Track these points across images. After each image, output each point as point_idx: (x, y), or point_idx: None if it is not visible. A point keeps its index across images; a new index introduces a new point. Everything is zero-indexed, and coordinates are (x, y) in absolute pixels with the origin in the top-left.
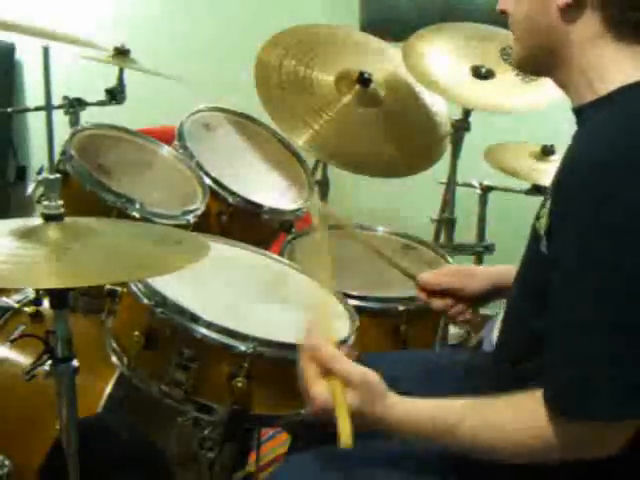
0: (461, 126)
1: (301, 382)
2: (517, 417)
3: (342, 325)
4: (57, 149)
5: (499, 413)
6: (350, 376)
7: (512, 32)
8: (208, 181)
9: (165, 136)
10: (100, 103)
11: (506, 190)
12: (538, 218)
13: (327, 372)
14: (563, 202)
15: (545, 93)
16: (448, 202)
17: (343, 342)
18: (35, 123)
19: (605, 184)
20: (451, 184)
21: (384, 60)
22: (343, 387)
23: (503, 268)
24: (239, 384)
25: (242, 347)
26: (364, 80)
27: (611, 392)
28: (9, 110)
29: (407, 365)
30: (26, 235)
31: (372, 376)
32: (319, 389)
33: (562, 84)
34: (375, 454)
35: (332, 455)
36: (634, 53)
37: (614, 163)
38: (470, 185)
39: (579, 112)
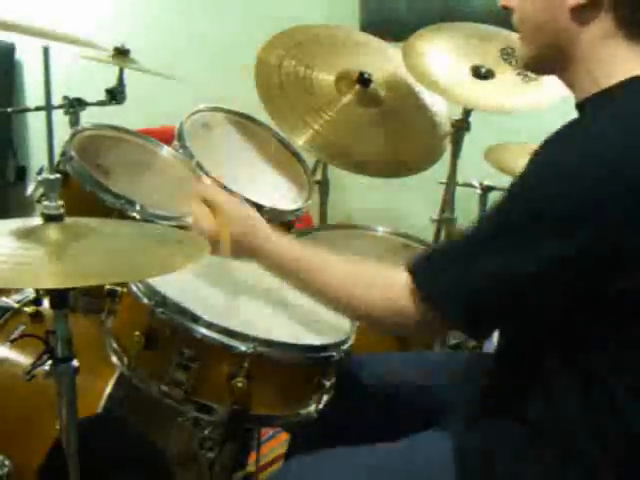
0: (461, 126)
1: (193, 219)
2: (386, 277)
3: (342, 325)
4: (57, 149)
5: (372, 270)
6: (232, 209)
7: (518, 31)
8: (208, 181)
9: (165, 136)
10: (100, 103)
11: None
12: None
13: (214, 209)
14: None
15: (545, 93)
16: (448, 202)
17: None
18: (35, 123)
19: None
20: (451, 184)
21: (384, 60)
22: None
23: None
24: (239, 384)
25: (242, 347)
26: (364, 80)
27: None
28: (9, 110)
29: (406, 366)
30: (26, 235)
31: (253, 212)
32: (202, 211)
33: (569, 82)
34: (373, 458)
35: (329, 459)
36: None
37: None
38: (470, 185)
39: (581, 107)
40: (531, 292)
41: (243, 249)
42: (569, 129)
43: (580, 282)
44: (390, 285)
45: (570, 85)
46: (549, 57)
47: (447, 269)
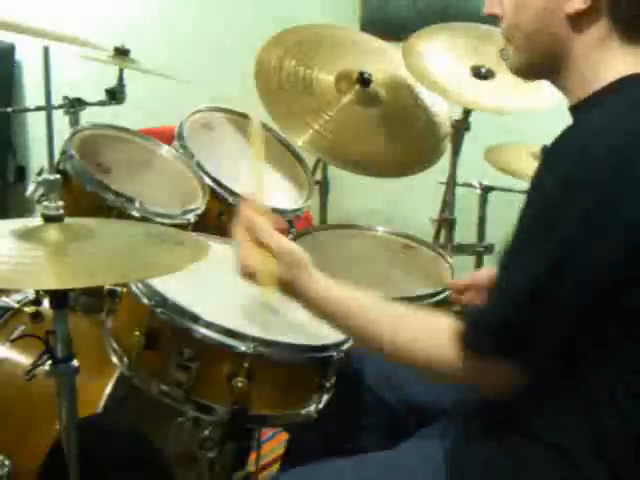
0: (461, 126)
1: (235, 250)
2: (431, 331)
3: None
4: (57, 149)
5: (416, 325)
6: (279, 249)
7: (507, 38)
8: (208, 181)
9: (165, 136)
10: (100, 103)
11: (506, 190)
12: None
13: (259, 243)
14: (540, 165)
15: (545, 93)
16: (448, 202)
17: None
18: (35, 123)
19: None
20: (451, 184)
21: (384, 60)
22: (272, 257)
23: None
24: (239, 384)
25: (242, 347)
26: (364, 80)
27: (490, 329)
28: (9, 110)
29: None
30: (26, 235)
31: (300, 251)
32: (249, 253)
33: (561, 86)
34: (370, 466)
35: (327, 469)
36: (637, 53)
37: (597, 143)
38: (470, 185)
39: (575, 110)
40: (582, 315)
41: (287, 287)
42: (566, 137)
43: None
44: (437, 346)
45: (562, 88)
46: (542, 63)
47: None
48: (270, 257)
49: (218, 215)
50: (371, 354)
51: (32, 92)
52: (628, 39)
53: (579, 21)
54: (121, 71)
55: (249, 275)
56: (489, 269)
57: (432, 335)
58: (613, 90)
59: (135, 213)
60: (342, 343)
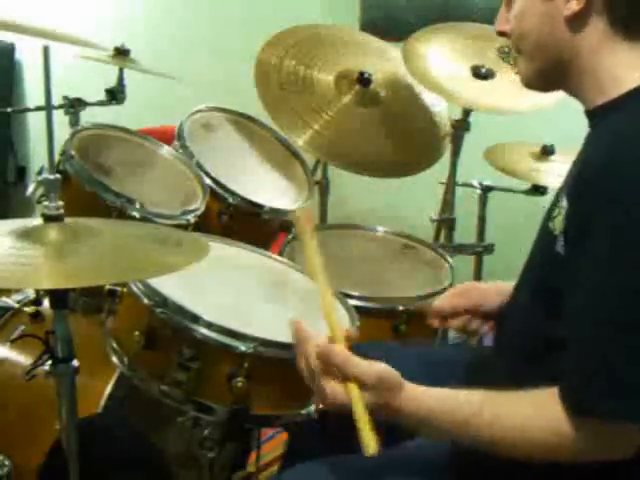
0: (461, 126)
1: (309, 378)
2: (537, 413)
3: (342, 325)
4: (57, 149)
5: (518, 407)
6: (366, 378)
7: (517, 51)
8: (208, 181)
9: (165, 136)
10: (100, 103)
11: (506, 190)
12: (550, 218)
13: (343, 376)
14: (580, 203)
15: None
16: (448, 202)
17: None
18: (35, 123)
19: (617, 185)
20: (451, 184)
21: (384, 60)
22: (359, 389)
23: (507, 285)
24: (239, 384)
25: (242, 347)
26: (364, 80)
27: (625, 393)
28: (9, 110)
29: (408, 358)
30: (26, 235)
31: (387, 372)
32: (337, 389)
33: (574, 92)
34: (371, 465)
35: (330, 466)
36: None
37: (625, 165)
38: (470, 185)
39: (591, 115)
40: None
41: (382, 412)
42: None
43: None
44: (557, 434)
45: (577, 96)
46: (554, 70)
47: (607, 378)
48: (355, 389)
49: (218, 215)
50: (372, 354)
51: (32, 92)
52: (631, 36)
53: (578, 23)
54: (121, 71)
55: (339, 409)
56: (459, 288)
57: (540, 411)
58: (628, 103)
59: (135, 213)
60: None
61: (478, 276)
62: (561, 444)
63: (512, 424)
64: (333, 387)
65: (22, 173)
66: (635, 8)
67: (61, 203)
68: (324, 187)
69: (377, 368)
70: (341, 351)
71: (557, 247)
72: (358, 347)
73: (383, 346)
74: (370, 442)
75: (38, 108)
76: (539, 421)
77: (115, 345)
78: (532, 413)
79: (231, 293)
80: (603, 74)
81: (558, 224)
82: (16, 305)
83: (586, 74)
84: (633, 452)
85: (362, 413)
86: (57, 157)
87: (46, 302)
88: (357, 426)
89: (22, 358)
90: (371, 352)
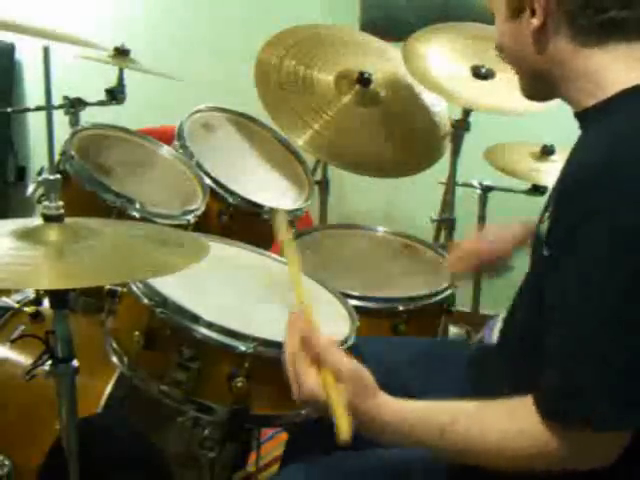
0: (461, 126)
1: (288, 368)
2: (513, 422)
3: (342, 325)
4: (57, 149)
5: (494, 417)
6: (342, 369)
7: (511, 66)
8: (208, 181)
9: (165, 136)
10: (100, 103)
11: (506, 190)
12: (541, 222)
13: (318, 362)
14: (574, 204)
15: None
16: (448, 202)
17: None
18: (35, 123)
19: (618, 185)
20: (451, 184)
21: (384, 60)
22: (334, 379)
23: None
24: (239, 384)
25: (242, 347)
26: (364, 80)
27: (610, 402)
28: (9, 110)
29: (408, 352)
30: (26, 235)
31: (364, 372)
32: (311, 380)
33: (564, 98)
34: (371, 463)
35: (327, 467)
36: (625, 53)
37: (602, 179)
38: (470, 185)
39: (581, 117)
40: None
41: (351, 413)
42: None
43: None
44: (534, 444)
45: (566, 101)
46: (540, 82)
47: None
48: (330, 378)
49: (218, 215)
50: (372, 353)
51: (32, 92)
52: (603, 40)
53: (545, 37)
54: (121, 71)
55: (313, 402)
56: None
57: (517, 420)
58: (615, 107)
59: (135, 213)
60: (341, 343)
61: (477, 276)
62: (541, 453)
63: (488, 434)
64: (309, 371)
65: (22, 173)
66: (594, 17)
67: (61, 203)
68: (324, 187)
69: (356, 364)
70: (325, 338)
71: (544, 251)
72: (357, 354)
73: (384, 340)
74: (343, 427)
75: (38, 108)
76: (517, 429)
77: (115, 345)
78: (508, 422)
79: (231, 293)
80: (584, 80)
81: (544, 228)
82: (16, 305)
83: (569, 81)
84: (613, 459)
85: (336, 398)
86: (57, 157)
87: (46, 302)
88: (330, 411)
89: (22, 358)
90: (372, 345)
